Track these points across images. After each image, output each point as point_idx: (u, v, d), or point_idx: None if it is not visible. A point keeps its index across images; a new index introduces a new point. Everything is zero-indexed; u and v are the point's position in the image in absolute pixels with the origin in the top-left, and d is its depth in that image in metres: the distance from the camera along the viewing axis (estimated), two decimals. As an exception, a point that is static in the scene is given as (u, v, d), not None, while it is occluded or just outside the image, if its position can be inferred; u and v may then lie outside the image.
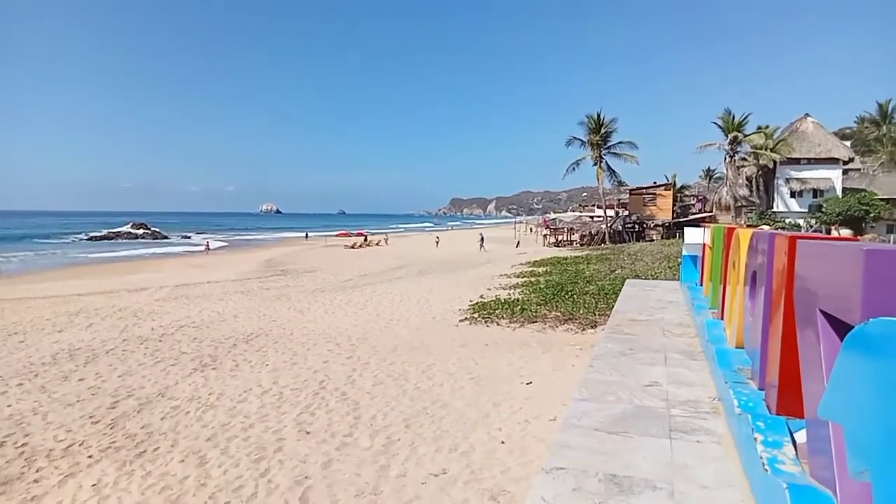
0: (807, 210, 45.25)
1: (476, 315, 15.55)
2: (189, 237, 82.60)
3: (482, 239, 50.67)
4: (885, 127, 65.33)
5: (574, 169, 52.31)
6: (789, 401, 2.87)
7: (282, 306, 18.77)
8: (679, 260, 12.15)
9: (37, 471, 6.95)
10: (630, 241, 47.45)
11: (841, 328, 2.17)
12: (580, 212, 73.60)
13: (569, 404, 4.01)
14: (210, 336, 14.30)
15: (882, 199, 42.72)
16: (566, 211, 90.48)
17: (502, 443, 7.16)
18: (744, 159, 47.29)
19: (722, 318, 5.54)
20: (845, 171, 47.33)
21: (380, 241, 61.35)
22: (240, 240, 79.59)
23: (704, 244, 7.77)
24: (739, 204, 46.61)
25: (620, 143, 50.89)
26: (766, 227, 10.34)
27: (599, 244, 47.21)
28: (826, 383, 1.73)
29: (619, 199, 61.31)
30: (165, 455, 7.28)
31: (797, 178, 46.12)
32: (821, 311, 2.37)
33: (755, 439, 2.69)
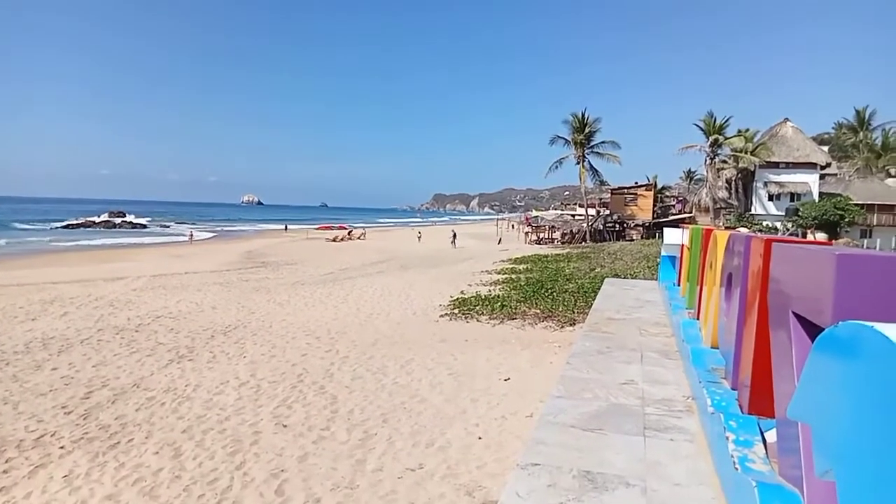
0: (784, 213, 46.00)
1: (456, 311, 15.58)
2: (168, 226, 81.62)
3: (454, 236, 50.62)
4: (861, 133, 66.57)
5: (557, 167, 52.61)
6: (761, 401, 2.92)
7: (261, 298, 18.63)
8: (658, 260, 12.28)
9: (6, 461, 6.83)
10: (611, 240, 47.82)
11: (812, 330, 2.21)
12: (562, 210, 73.99)
13: (546, 401, 4.04)
14: (187, 327, 14.16)
15: (857, 205, 43.57)
16: (548, 209, 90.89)
17: (479, 438, 7.19)
18: (724, 162, 47.91)
19: (698, 318, 5.61)
20: (822, 176, 48.18)
21: (361, 235, 61.09)
22: (221, 230, 78.78)
23: (683, 245, 7.85)
24: (719, 206, 47.20)
25: (603, 142, 51.29)
26: (743, 230, 10.45)
27: (580, 243, 47.52)
28: (797, 384, 1.76)
29: (601, 199, 61.72)
30: (139, 446, 7.21)
31: (775, 182, 46.85)
32: (793, 313, 2.41)
33: (727, 438, 2.73)
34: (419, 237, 56.57)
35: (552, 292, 17.21)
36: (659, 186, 59.86)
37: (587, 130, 50.09)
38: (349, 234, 60.49)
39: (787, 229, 42.55)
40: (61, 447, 7.21)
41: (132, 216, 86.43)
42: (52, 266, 29.22)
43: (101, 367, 10.69)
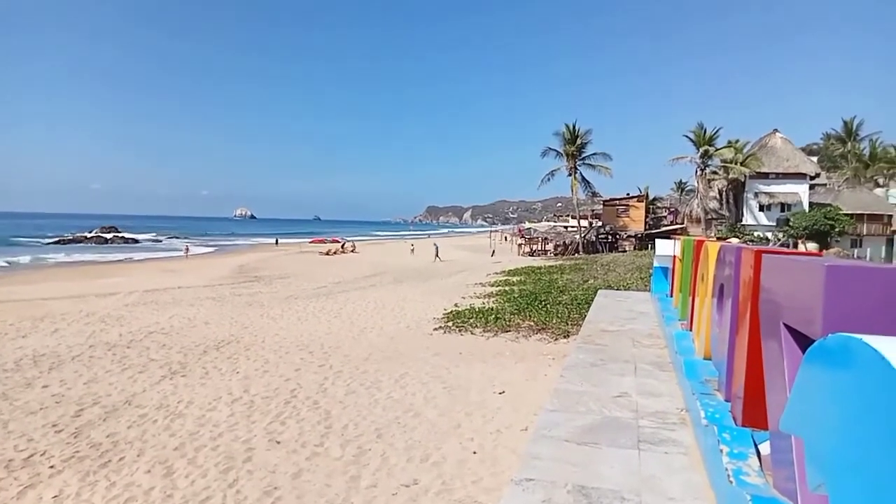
0: (775, 223, 46.31)
1: (450, 324, 15.55)
2: (160, 241, 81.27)
3: (437, 249, 48.90)
4: (849, 144, 67.41)
5: (549, 179, 52.86)
6: (754, 412, 2.92)
7: (254, 313, 18.53)
8: (650, 271, 12.32)
9: (-5, 482, 6.73)
10: (603, 251, 47.96)
11: (804, 342, 2.22)
12: (555, 222, 74.22)
13: (540, 414, 4.03)
14: (180, 343, 14.05)
15: (846, 214, 43.92)
16: (541, 220, 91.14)
17: (474, 453, 7.15)
18: (714, 173, 48.27)
19: (691, 330, 5.63)
20: (812, 187, 48.59)
21: (354, 248, 60.99)
22: (214, 244, 78.47)
23: (675, 256, 7.89)
24: (710, 216, 47.47)
25: (595, 154, 51.58)
26: (734, 240, 10.52)
27: (573, 254, 47.63)
28: (789, 396, 1.76)
29: (593, 210, 61.99)
30: (131, 465, 7.12)
31: (766, 192, 47.22)
32: (784, 324, 2.42)
33: (721, 451, 2.73)
34: (412, 250, 56.17)
35: (546, 304, 17.21)
36: (650, 198, 60.30)
37: (578, 142, 50.39)
38: (342, 247, 60.36)
39: (779, 239, 42.81)
40: (51, 466, 7.11)
41: (124, 231, 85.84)
42: (43, 282, 28.99)
43: (93, 384, 10.58)
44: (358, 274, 33.81)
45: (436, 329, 15.15)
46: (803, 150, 54.62)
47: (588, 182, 52.09)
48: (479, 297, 20.52)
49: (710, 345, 4.43)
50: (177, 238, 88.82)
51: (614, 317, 8.04)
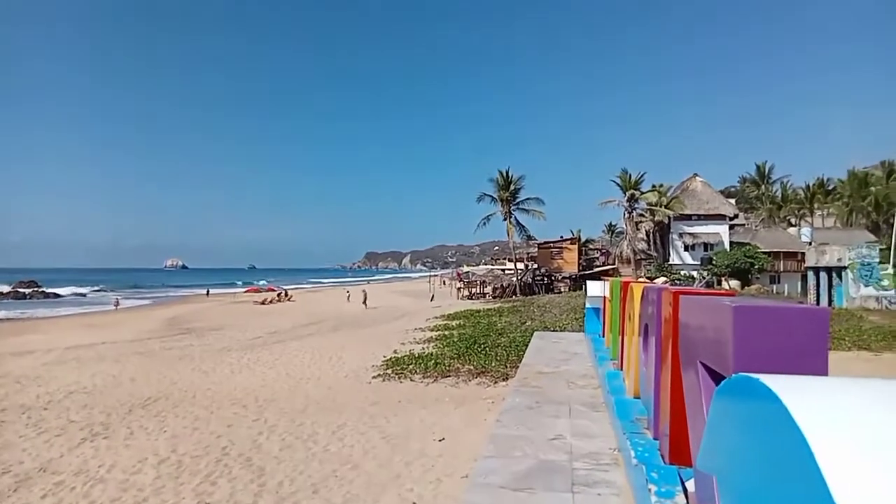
0: (700, 262, 48.51)
1: (389, 371, 15.33)
2: (84, 295, 77.03)
3: (365, 296, 47.78)
4: (763, 186, 72.17)
5: (485, 224, 53.70)
6: (680, 450, 2.99)
7: (184, 367, 17.72)
8: (584, 311, 12.63)
9: None
10: (540, 293, 48.74)
11: (719, 380, 2.31)
12: (492, 265, 75.18)
13: (477, 461, 3.99)
14: (103, 402, 13.23)
15: (764, 253, 46.56)
16: (479, 264, 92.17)
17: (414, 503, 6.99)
18: (641, 215, 50.38)
19: (622, 369, 5.76)
20: (732, 227, 51.37)
21: (290, 297, 59.63)
22: (145, 296, 75.11)
23: (605, 297, 8.11)
24: (639, 257, 49.23)
25: (528, 199, 52.87)
26: (662, 280, 10.97)
27: (511, 296, 48.16)
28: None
29: (529, 253, 63.16)
30: (41, 540, 6.56)
31: (689, 233, 49.57)
32: (701, 362, 2.52)
33: (650, 490, 2.77)
34: (349, 297, 55.09)
35: (485, 347, 17.26)
36: (583, 240, 62.14)
37: (512, 188, 51.63)
38: (278, 296, 58.91)
39: (703, 278, 44.76)
40: (-51, 547, 6.47)
41: (45, 286, 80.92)
42: (-52, 342, 26.86)
43: (3, 451, 9.78)
44: (295, 323, 33.02)
45: (375, 377, 14.89)
46: (722, 192, 57.88)
47: (523, 226, 53.27)
48: (418, 343, 20.38)
49: (638, 383, 4.54)
50: (104, 291, 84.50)
51: (550, 358, 8.14)
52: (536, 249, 59.29)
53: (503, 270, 60.83)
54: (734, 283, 44.02)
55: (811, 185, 70.27)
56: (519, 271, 52.85)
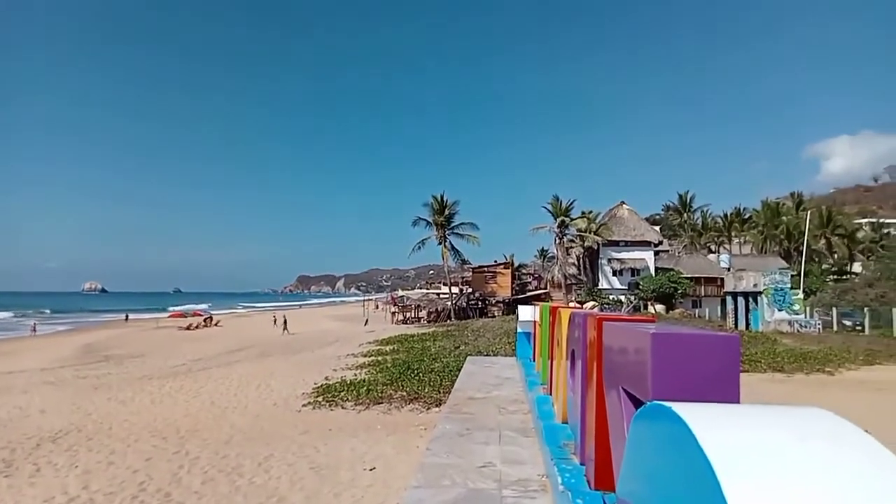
0: (627, 287, 50.19)
1: (320, 398, 14.96)
2: (-11, 320, 71.66)
3: (284, 322, 46.24)
4: (685, 215, 75.77)
5: (420, 248, 53.82)
6: (605, 475, 3.04)
7: (100, 397, 16.70)
8: (516, 335, 12.79)
9: None
10: (474, 317, 49.04)
11: (640, 406, 2.37)
12: (427, 289, 75.12)
13: (405, 492, 3.92)
14: (7, 437, 12.26)
15: (687, 278, 48.66)
16: (414, 288, 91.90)
17: (342, 537, 6.78)
18: (571, 241, 51.81)
19: (551, 394, 5.83)
20: (657, 253, 53.50)
21: (218, 322, 57.57)
22: (61, 321, 70.71)
23: (535, 321, 8.23)
24: (570, 282, 50.46)
25: (463, 223, 53.45)
26: (591, 304, 11.21)
27: (445, 321, 48.24)
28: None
29: (464, 277, 63.60)
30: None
31: (617, 259, 51.29)
32: (623, 388, 2.58)
33: (575, 516, 2.79)
34: (275, 321, 51.02)
35: (418, 373, 17.14)
36: (516, 264, 63.15)
37: (447, 212, 52.08)
38: (205, 321, 56.78)
39: (631, 302, 46.30)
40: None
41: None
42: None
43: None
44: (221, 349, 31.87)
45: (304, 405, 14.49)
46: (647, 219, 60.35)
47: (458, 250, 53.70)
48: (351, 369, 20.02)
49: (566, 408, 4.60)
50: (17, 317, 79.01)
51: (482, 383, 8.16)
52: (471, 274, 59.76)
53: (438, 295, 60.91)
54: (659, 308, 45.76)
55: (729, 213, 74.41)
56: (453, 295, 53.09)
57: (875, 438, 1.10)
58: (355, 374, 18.48)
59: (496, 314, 50.30)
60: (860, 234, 69.25)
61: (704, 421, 1.16)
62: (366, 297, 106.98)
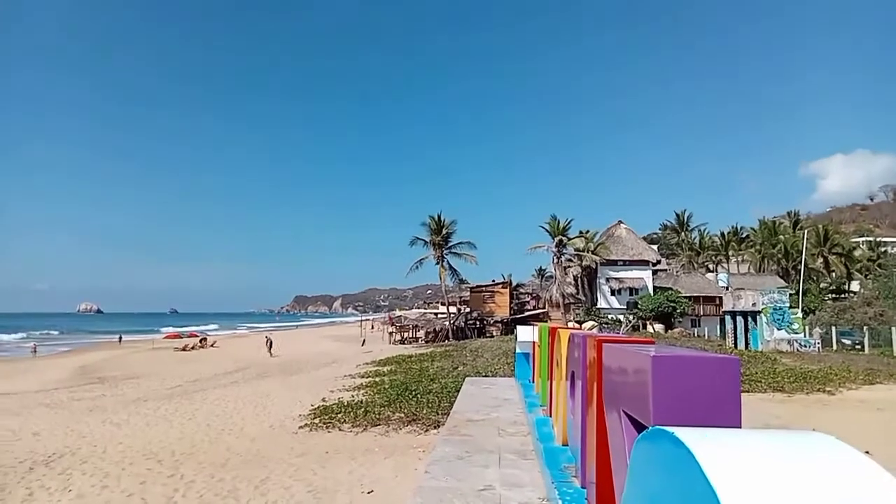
0: (626, 306, 50.17)
1: (317, 420, 14.84)
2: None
3: (270, 343, 44.55)
4: (682, 234, 76.12)
5: (417, 267, 53.83)
6: (606, 499, 3.01)
7: (95, 420, 16.55)
8: (515, 356, 12.74)
9: None
10: (472, 337, 48.89)
11: (641, 429, 2.36)
12: (425, 309, 75.03)
13: (405, 516, 3.89)
14: (-2, 460, 12.13)
15: (686, 297, 48.68)
16: (412, 308, 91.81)
17: (340, 562, 6.69)
18: (569, 260, 51.85)
19: (550, 415, 5.80)
20: (655, 272, 53.60)
21: (214, 343, 57.29)
22: (59, 342, 70.31)
23: (534, 342, 8.21)
24: (568, 301, 50.41)
25: (460, 243, 53.53)
26: (590, 324, 11.19)
27: (443, 341, 48.07)
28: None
29: (461, 297, 63.51)
30: None
31: (615, 278, 51.34)
32: (623, 411, 2.57)
33: (576, 541, 2.77)
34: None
35: (416, 394, 17.02)
36: (514, 284, 63.03)
37: (444, 232, 52.17)
38: (201, 342, 56.51)
39: (629, 321, 46.23)
40: None
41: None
42: None
43: None
44: (218, 370, 31.69)
45: (301, 427, 14.37)
46: (645, 239, 60.53)
47: (455, 270, 53.68)
48: (348, 390, 19.89)
49: (566, 430, 4.57)
50: (8, 336, 78.53)
51: (481, 405, 8.12)
52: (469, 293, 59.68)
53: (436, 314, 60.83)
54: (658, 327, 45.70)
55: (726, 232, 74.68)
56: (451, 315, 52.97)
57: (876, 461, 1.10)
58: (353, 396, 18.35)
59: (494, 334, 50.17)
60: (857, 253, 69.50)
61: (707, 446, 1.16)
62: (363, 318, 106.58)
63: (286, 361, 36.25)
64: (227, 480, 10.21)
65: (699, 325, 49.26)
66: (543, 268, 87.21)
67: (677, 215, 79.46)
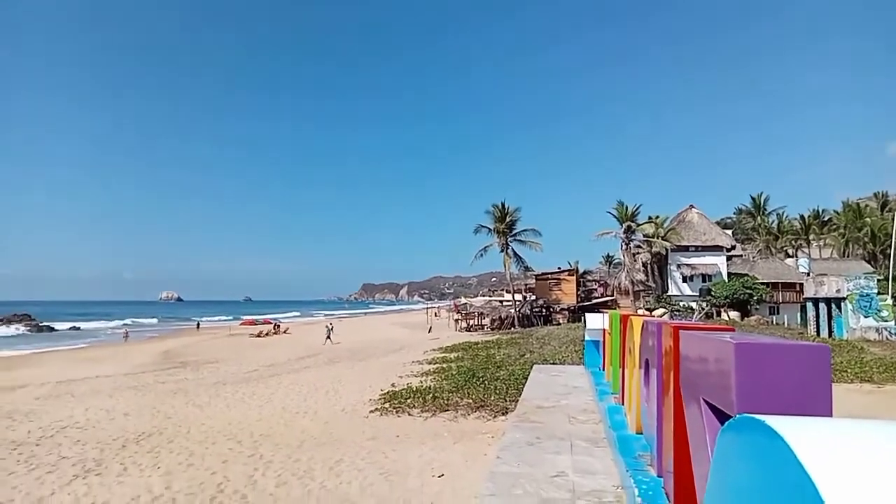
0: (698, 294, 48.50)
1: (387, 405, 15.17)
2: (78, 328, 76.36)
3: (329, 330, 44.34)
4: (759, 218, 72.70)
5: (482, 255, 53.77)
6: (686, 488, 2.95)
7: (179, 402, 17.51)
8: (584, 343, 12.58)
9: None
10: (538, 324, 48.54)
11: (722, 417, 2.30)
12: (490, 296, 75.03)
13: (477, 500, 3.94)
14: (96, 437, 13.04)
15: (763, 283, 46.58)
16: (476, 296, 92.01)
17: (413, 543, 6.84)
18: (638, 247, 50.49)
19: (623, 403, 5.71)
20: (729, 258, 51.50)
21: (287, 329, 59.31)
22: (139, 329, 74.65)
23: (604, 330, 8.09)
24: (637, 288, 49.18)
25: (525, 230, 53.06)
26: (660, 311, 10.97)
27: (509, 328, 47.94)
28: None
29: (527, 284, 63.07)
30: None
31: (687, 264, 49.65)
32: (704, 399, 2.51)
33: (654, 530, 2.73)
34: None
35: (483, 381, 17.11)
36: (581, 271, 62.11)
37: (508, 220, 51.85)
38: (275, 328, 58.63)
39: (702, 309, 44.67)
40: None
41: (38, 319, 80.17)
42: (-59, 377, 26.56)
43: (-8, 489, 9.60)
44: (291, 356, 32.79)
45: (372, 411, 14.73)
46: (718, 223, 58.22)
47: (520, 257, 53.32)
48: (416, 376, 20.21)
49: (640, 419, 4.50)
50: (95, 322, 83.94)
51: (550, 392, 8.08)
52: (534, 281, 59.23)
53: (501, 302, 60.66)
54: (734, 315, 43.95)
55: (806, 216, 70.86)
56: (517, 303, 52.72)
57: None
58: (421, 381, 18.63)
59: (561, 322, 49.62)
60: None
61: (803, 436, 1.12)
62: (429, 305, 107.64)
63: (355, 348, 37.11)
64: (303, 461, 10.60)
65: (778, 313, 47.05)
66: (611, 254, 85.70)
67: (753, 199, 75.86)
